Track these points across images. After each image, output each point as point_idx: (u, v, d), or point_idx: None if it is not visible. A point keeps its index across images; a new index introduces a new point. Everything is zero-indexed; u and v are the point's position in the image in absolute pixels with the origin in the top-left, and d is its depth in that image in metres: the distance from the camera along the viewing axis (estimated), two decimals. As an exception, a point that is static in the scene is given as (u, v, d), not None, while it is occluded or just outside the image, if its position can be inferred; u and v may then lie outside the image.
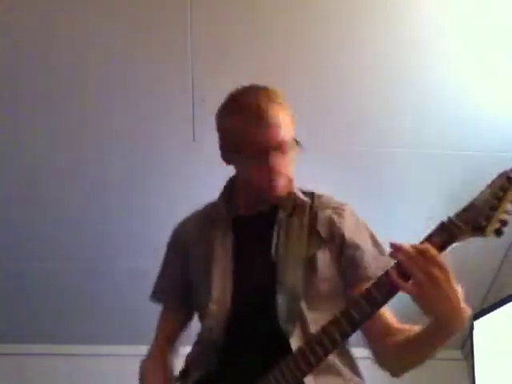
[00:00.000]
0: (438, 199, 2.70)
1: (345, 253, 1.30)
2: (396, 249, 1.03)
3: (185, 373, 1.35)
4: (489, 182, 1.05)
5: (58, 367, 3.18)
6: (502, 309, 2.63)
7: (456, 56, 2.39)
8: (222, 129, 1.36)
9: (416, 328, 1.13)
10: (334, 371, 1.24)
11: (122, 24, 2.28)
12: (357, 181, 2.70)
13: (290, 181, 1.34)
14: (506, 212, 1.02)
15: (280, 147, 1.27)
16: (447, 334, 1.06)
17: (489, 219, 1.01)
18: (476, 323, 2.80)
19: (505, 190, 1.01)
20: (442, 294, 1.00)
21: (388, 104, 2.53)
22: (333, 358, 1.22)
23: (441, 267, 1.00)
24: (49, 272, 2.99)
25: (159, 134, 2.58)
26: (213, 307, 1.28)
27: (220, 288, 1.30)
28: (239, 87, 1.36)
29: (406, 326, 1.20)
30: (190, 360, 1.36)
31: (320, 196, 1.39)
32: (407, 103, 2.53)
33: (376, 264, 1.28)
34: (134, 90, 2.46)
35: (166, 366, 1.40)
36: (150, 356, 1.43)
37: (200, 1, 2.22)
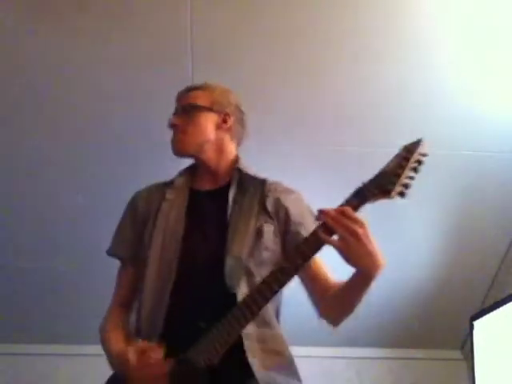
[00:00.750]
0: (438, 199, 2.70)
1: (289, 229, 1.48)
2: (322, 212, 1.21)
3: (138, 331, 1.48)
4: (396, 153, 1.28)
5: (58, 367, 3.18)
6: (501, 309, 2.62)
7: (456, 56, 2.40)
8: None
9: (344, 281, 1.33)
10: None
11: (121, 24, 2.29)
12: (356, 181, 2.70)
13: (193, 139, 1.57)
14: (408, 177, 1.23)
15: (180, 108, 1.62)
16: (368, 280, 1.25)
17: (394, 184, 1.23)
18: (476, 323, 2.80)
19: (407, 160, 1.24)
20: (362, 246, 1.19)
21: (388, 104, 2.53)
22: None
23: (360, 224, 1.20)
24: (49, 272, 2.99)
25: (159, 134, 2.58)
26: (155, 263, 1.44)
27: (168, 248, 1.44)
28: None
29: (338, 281, 1.40)
30: (142, 316, 1.47)
31: (272, 182, 1.55)
32: (407, 103, 2.53)
33: None
34: (134, 90, 2.47)
35: (125, 327, 1.54)
36: (109, 321, 1.59)
37: (200, 1, 2.23)
